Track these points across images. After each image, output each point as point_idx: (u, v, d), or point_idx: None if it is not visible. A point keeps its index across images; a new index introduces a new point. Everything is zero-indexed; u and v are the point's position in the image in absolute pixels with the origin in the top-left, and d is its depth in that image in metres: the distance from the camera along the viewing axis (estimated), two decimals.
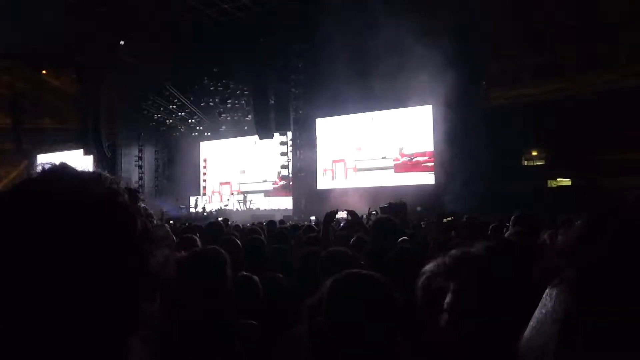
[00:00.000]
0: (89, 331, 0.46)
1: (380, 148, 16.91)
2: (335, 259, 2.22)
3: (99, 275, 0.46)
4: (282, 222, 8.23)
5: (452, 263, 0.87)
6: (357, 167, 17.38)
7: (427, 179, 15.84)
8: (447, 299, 0.86)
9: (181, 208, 19.37)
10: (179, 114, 20.14)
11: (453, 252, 0.89)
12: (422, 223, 7.04)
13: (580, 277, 0.40)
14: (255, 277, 2.32)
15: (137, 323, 0.50)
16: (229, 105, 19.27)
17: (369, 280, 1.25)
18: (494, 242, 0.91)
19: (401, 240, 3.86)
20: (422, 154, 16.17)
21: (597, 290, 0.39)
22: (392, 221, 3.67)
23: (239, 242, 4.16)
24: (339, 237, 4.27)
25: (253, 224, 7.90)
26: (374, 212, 8.13)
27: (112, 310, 0.47)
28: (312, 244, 3.72)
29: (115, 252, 0.48)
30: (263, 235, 4.46)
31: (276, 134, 17.82)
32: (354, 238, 3.65)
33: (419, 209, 12.34)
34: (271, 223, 7.18)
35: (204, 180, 22.52)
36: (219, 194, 21.79)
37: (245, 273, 2.34)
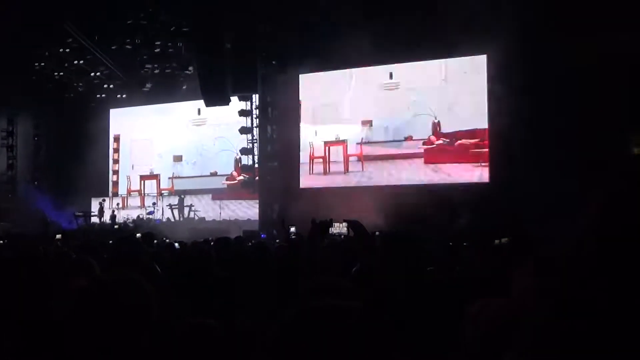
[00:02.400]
0: None
1: (402, 124, 16.95)
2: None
3: None
4: (239, 239, 8.15)
5: None
6: (365, 153, 17.39)
7: (478, 173, 15.91)
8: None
9: (77, 216, 19.21)
10: (76, 62, 19.88)
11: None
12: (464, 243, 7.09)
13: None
14: (212, 323, 2.41)
15: None
16: (157, 50, 19.07)
17: None
18: None
19: (428, 271, 3.85)
20: (471, 134, 16.20)
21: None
22: (411, 239, 3.76)
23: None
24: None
25: (195, 243, 7.88)
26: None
27: None
28: (285, 272, 3.70)
29: None
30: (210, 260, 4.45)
31: (234, 99, 17.69)
32: (357, 267, 3.65)
33: (465, 218, 12.36)
34: (222, 242, 7.09)
35: (115, 172, 22.33)
36: (140, 194, 21.62)
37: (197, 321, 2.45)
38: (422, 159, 16.71)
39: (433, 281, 3.36)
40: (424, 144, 16.75)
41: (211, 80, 16.83)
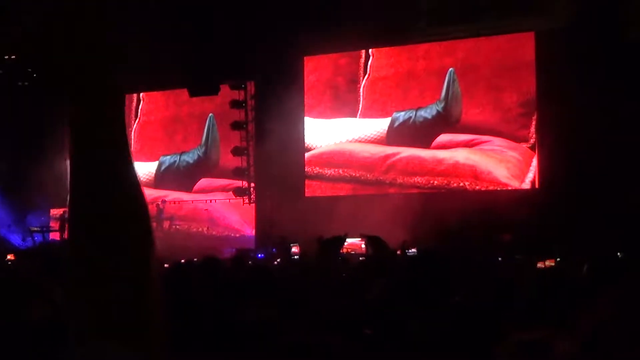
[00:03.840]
0: None
1: (430, 116, 16.86)
2: None
3: None
4: (239, 261, 8.16)
5: None
6: (385, 153, 17.34)
7: (528, 177, 15.84)
8: None
9: (32, 232, 19.24)
10: None
11: None
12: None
13: None
14: None
15: None
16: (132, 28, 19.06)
17: None
18: None
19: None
20: (515, 127, 16.10)
21: None
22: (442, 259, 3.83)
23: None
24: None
25: (178, 264, 7.85)
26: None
27: None
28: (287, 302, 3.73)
29: None
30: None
31: (224, 87, 17.76)
32: (376, 291, 3.80)
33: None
34: (210, 263, 7.10)
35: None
36: None
37: None
38: (456, 159, 16.58)
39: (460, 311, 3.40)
40: (457, 140, 16.64)
41: (195, 63, 16.84)
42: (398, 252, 6.69)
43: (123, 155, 1.05)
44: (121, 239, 1.01)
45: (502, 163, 16.12)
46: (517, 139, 15.98)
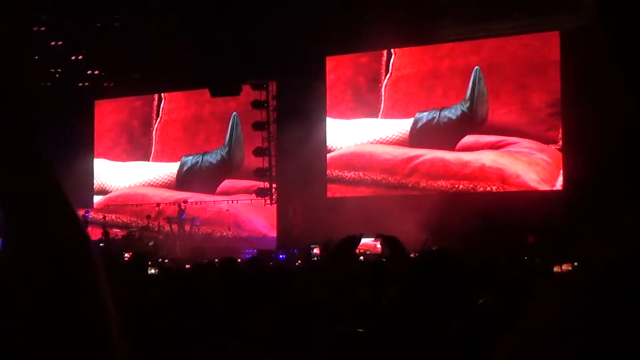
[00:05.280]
0: None
1: (454, 117, 16.80)
2: None
3: None
4: (255, 262, 8.22)
5: None
6: (408, 154, 17.32)
7: (547, 179, 15.80)
8: None
9: None
10: (53, 43, 20.12)
11: None
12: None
13: None
14: None
15: None
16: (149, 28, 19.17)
17: None
18: None
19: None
20: (544, 128, 15.96)
21: None
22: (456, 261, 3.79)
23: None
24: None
25: (198, 265, 7.90)
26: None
27: None
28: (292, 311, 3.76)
29: None
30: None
31: (246, 87, 17.85)
32: (391, 295, 3.72)
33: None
34: (228, 264, 7.15)
35: (99, 177, 22.55)
36: (133, 205, 21.59)
37: None
38: (482, 162, 16.46)
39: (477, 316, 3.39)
40: (483, 142, 16.54)
41: (217, 64, 16.85)
42: (412, 255, 6.64)
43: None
44: (37, 239, 0.98)
45: (531, 166, 15.95)
46: (546, 141, 15.81)
